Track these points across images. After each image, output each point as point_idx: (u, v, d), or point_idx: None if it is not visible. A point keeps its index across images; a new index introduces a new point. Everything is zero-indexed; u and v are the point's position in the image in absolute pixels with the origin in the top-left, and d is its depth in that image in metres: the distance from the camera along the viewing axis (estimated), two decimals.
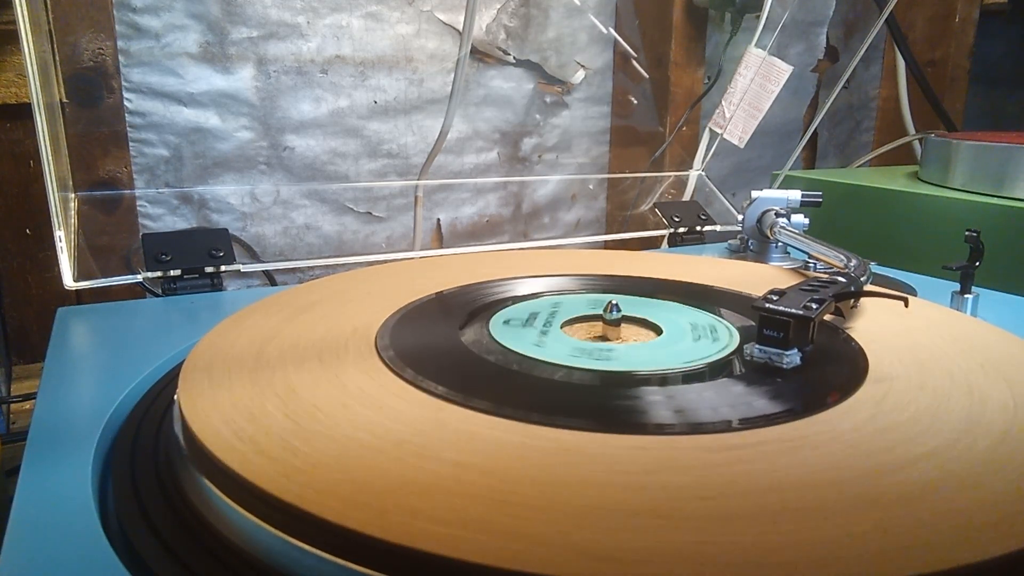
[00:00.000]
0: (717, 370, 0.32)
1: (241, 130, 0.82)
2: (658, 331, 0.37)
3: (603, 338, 0.36)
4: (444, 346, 0.34)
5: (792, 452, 0.24)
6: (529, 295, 0.42)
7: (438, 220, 0.98)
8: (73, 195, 0.61)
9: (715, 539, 0.19)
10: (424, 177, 0.90)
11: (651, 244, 0.80)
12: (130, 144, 0.76)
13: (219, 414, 0.26)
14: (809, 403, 0.28)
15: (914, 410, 0.27)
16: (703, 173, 0.94)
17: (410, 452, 0.23)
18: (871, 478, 0.22)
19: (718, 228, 0.74)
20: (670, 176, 1.00)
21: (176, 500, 0.25)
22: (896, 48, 1.12)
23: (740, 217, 0.59)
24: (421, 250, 0.89)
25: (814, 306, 0.32)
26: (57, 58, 0.69)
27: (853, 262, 0.43)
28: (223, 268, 0.52)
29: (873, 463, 0.23)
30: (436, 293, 0.42)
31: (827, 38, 1.21)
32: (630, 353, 0.33)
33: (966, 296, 0.46)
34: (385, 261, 0.54)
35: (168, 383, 0.35)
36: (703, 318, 0.38)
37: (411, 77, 0.90)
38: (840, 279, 0.37)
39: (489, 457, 0.23)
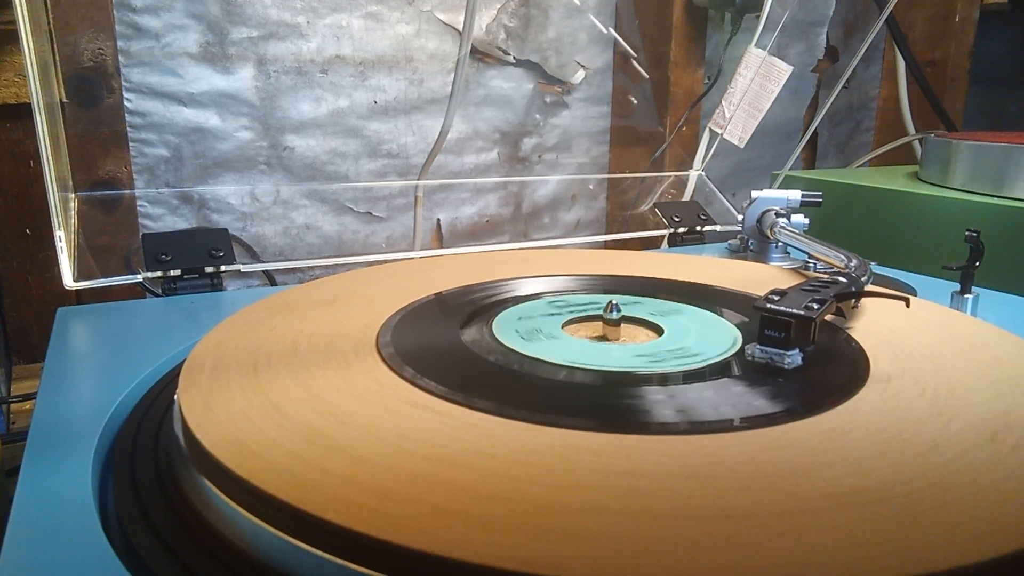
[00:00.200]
0: (718, 370, 0.32)
1: (241, 130, 0.82)
2: (659, 331, 0.37)
3: (603, 338, 0.36)
4: (445, 346, 0.34)
5: (793, 452, 0.24)
6: (529, 295, 0.42)
7: (438, 220, 0.98)
8: (73, 195, 0.61)
9: (716, 539, 0.19)
10: (424, 177, 0.90)
11: (651, 244, 0.80)
12: (130, 144, 0.76)
13: (219, 414, 0.26)
14: (810, 403, 0.27)
15: (914, 410, 0.27)
16: (703, 173, 0.94)
17: (410, 452, 0.23)
18: (872, 478, 0.22)
19: (718, 228, 0.74)
20: (670, 176, 1.00)
21: (176, 500, 0.25)
22: (896, 48, 1.12)
23: (740, 217, 0.59)
24: (421, 250, 0.89)
25: (815, 306, 0.32)
26: (57, 58, 0.69)
27: (854, 262, 0.43)
28: (223, 268, 0.52)
29: (873, 463, 0.23)
30: (436, 293, 0.42)
31: (827, 38, 1.21)
32: (629, 353, 0.33)
33: (966, 296, 0.46)
34: (385, 261, 0.54)
35: (168, 383, 0.35)
36: (704, 318, 0.38)
37: (411, 77, 0.90)
38: (841, 279, 0.37)
39: (490, 457, 0.23)
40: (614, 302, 0.36)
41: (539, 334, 0.35)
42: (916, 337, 0.35)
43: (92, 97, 0.73)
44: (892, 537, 0.19)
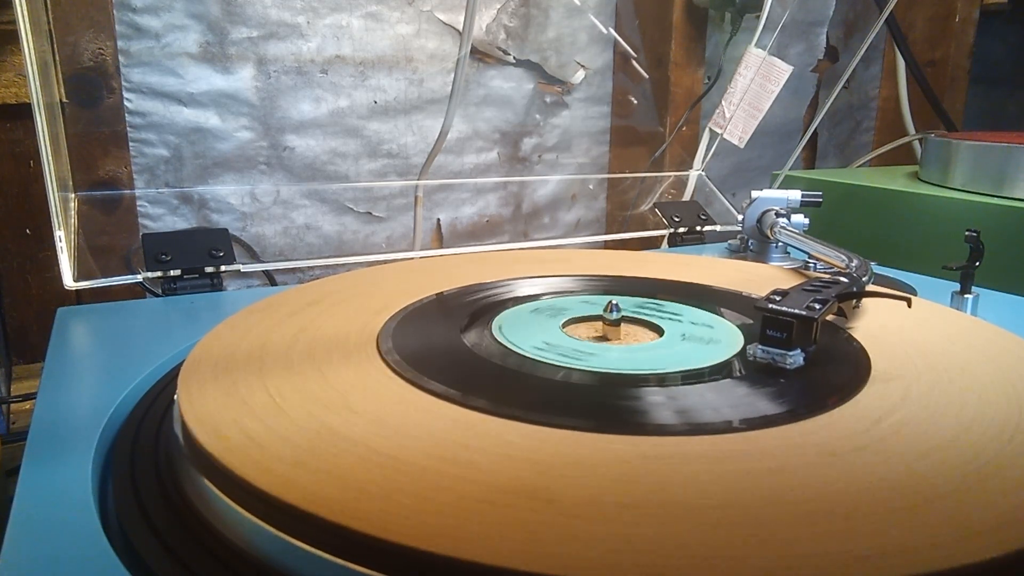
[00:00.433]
0: (719, 371, 0.32)
1: (241, 130, 0.82)
2: (659, 331, 0.37)
3: (603, 338, 0.36)
4: (445, 347, 0.34)
5: (795, 452, 0.24)
6: (529, 295, 0.42)
7: (438, 220, 0.98)
8: (73, 195, 0.61)
9: (716, 539, 0.19)
10: (424, 177, 0.90)
11: (651, 244, 0.80)
12: (130, 144, 0.76)
13: (219, 414, 0.26)
14: (812, 404, 0.27)
15: (915, 410, 0.27)
16: (703, 173, 0.94)
17: (411, 452, 0.23)
18: (872, 479, 0.22)
19: (718, 228, 0.74)
20: (670, 176, 1.00)
21: (176, 500, 0.25)
22: (896, 48, 1.12)
23: (740, 217, 0.59)
24: (421, 250, 0.89)
25: (817, 306, 0.32)
26: (57, 58, 0.69)
27: (854, 262, 0.43)
28: (223, 268, 0.52)
29: (875, 463, 0.23)
30: (437, 294, 0.42)
31: (827, 38, 1.21)
32: (630, 354, 0.33)
33: (966, 296, 0.46)
34: (385, 261, 0.54)
35: (168, 383, 0.35)
36: (704, 318, 0.38)
37: (411, 77, 0.90)
38: (843, 279, 0.37)
39: (490, 458, 0.23)
40: (614, 302, 0.36)
41: (539, 334, 0.35)
42: (917, 337, 0.35)
43: (92, 97, 0.73)
44: (895, 537, 0.19)
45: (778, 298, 0.32)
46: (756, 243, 0.59)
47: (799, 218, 0.56)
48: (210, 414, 0.26)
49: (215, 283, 0.52)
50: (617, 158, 1.08)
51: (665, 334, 0.36)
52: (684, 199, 0.92)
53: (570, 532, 0.19)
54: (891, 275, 0.55)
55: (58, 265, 0.48)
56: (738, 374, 0.31)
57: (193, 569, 0.22)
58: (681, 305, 0.40)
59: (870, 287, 0.39)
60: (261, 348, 0.33)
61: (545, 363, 0.32)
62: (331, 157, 0.88)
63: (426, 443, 0.24)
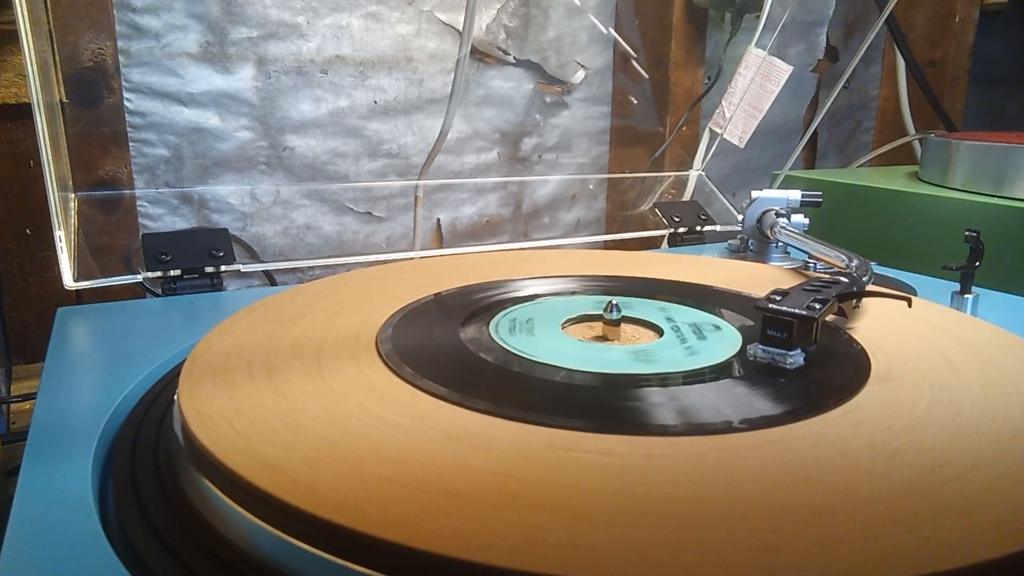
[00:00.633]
0: (720, 371, 0.32)
1: (241, 130, 0.82)
2: (659, 331, 0.37)
3: (603, 338, 0.36)
4: (445, 346, 0.34)
5: (795, 452, 0.24)
6: (529, 295, 0.42)
7: (438, 220, 0.98)
8: (73, 195, 0.61)
9: (716, 539, 0.19)
10: (424, 177, 0.90)
11: (651, 244, 0.80)
12: (130, 144, 0.76)
13: (219, 414, 0.26)
14: (812, 403, 0.27)
15: (915, 410, 0.27)
16: (703, 173, 0.94)
17: (410, 452, 0.23)
18: (872, 478, 0.22)
19: (718, 228, 0.74)
20: (670, 176, 1.00)
21: (176, 500, 0.25)
22: (896, 48, 1.12)
23: (740, 217, 0.59)
24: (421, 250, 0.89)
25: (817, 306, 0.32)
26: (57, 58, 0.69)
27: (854, 262, 0.43)
28: (223, 268, 0.52)
29: (875, 463, 0.23)
30: (436, 293, 0.42)
31: (827, 38, 1.21)
32: (630, 354, 0.33)
33: (966, 296, 0.46)
34: (385, 261, 0.54)
35: (168, 383, 0.35)
36: (704, 318, 0.38)
37: (411, 77, 0.90)
38: (843, 279, 0.37)
39: (490, 457, 0.23)
40: (614, 302, 0.36)
41: (539, 334, 0.35)
42: (917, 337, 0.35)
43: (92, 97, 0.73)
44: (895, 537, 0.19)
45: (778, 298, 0.32)
46: (756, 243, 0.59)
47: (799, 218, 0.56)
48: (210, 414, 0.26)
49: (215, 283, 0.52)
50: (617, 158, 1.08)
51: (665, 334, 0.36)
52: (684, 199, 0.92)
53: (570, 532, 0.19)
54: (891, 275, 0.55)
55: (58, 265, 0.48)
56: (738, 374, 0.31)
57: (193, 569, 0.22)
58: (681, 305, 0.40)
59: (870, 287, 0.39)
60: (261, 348, 0.33)
61: (545, 363, 0.32)
62: (331, 157, 0.88)
63: (425, 443, 0.24)
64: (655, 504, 0.21)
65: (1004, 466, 0.23)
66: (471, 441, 0.24)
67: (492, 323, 0.37)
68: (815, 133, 1.25)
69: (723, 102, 0.91)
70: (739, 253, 0.61)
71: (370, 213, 0.92)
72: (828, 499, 0.21)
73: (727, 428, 0.26)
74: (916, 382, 0.30)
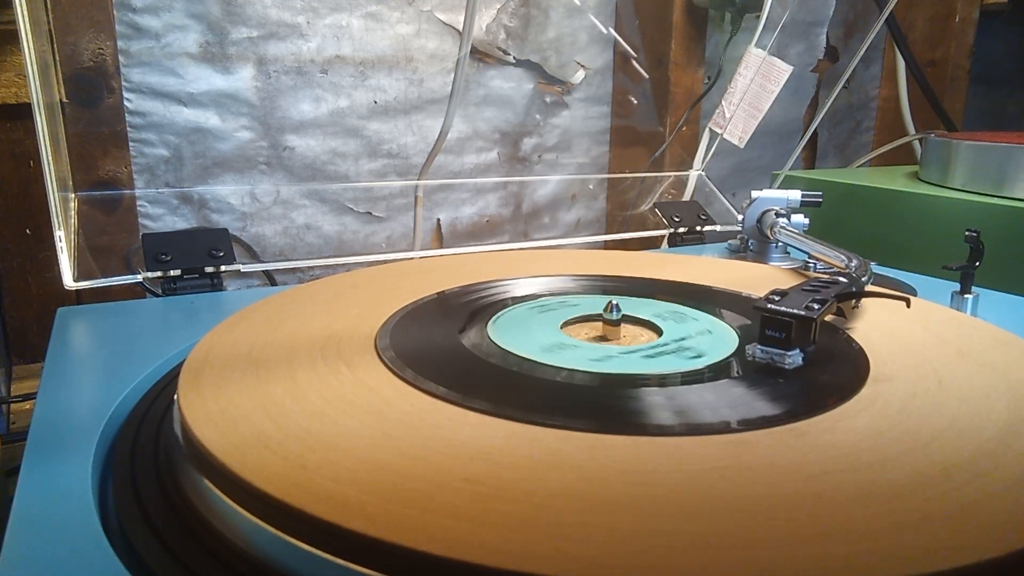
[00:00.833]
0: (718, 371, 0.32)
1: (241, 130, 0.82)
2: (658, 332, 0.37)
3: (603, 338, 0.36)
4: (444, 347, 0.34)
5: (794, 452, 0.24)
6: (529, 295, 0.42)
7: (438, 220, 0.98)
8: (73, 195, 0.61)
9: (715, 539, 0.19)
10: (424, 177, 0.90)
11: (651, 244, 0.80)
12: (130, 144, 0.76)
13: (219, 414, 0.26)
14: (811, 404, 0.27)
15: (915, 410, 0.27)
16: (703, 173, 0.94)
17: (410, 453, 0.23)
18: (871, 478, 0.22)
19: (718, 228, 0.74)
20: (670, 176, 1.00)
21: (176, 500, 0.25)
22: (896, 48, 1.12)
23: (740, 217, 0.59)
24: (421, 250, 0.89)
25: (816, 306, 0.32)
26: (57, 58, 0.69)
27: (854, 262, 0.43)
28: (223, 268, 0.52)
29: (874, 464, 0.23)
30: (436, 293, 0.42)
31: (827, 38, 1.21)
32: (629, 354, 0.33)
33: (966, 296, 0.46)
34: (385, 261, 0.54)
35: (168, 383, 0.35)
36: (704, 318, 0.38)
37: (411, 77, 0.90)
38: (842, 279, 0.37)
39: (490, 458, 0.23)
40: (614, 302, 0.36)
41: (538, 334, 0.35)
42: (916, 337, 0.35)
43: (92, 97, 0.73)
44: (894, 537, 0.19)
45: (777, 298, 0.32)
46: (756, 243, 0.59)
47: (799, 218, 0.56)
48: (210, 414, 0.26)
49: (215, 283, 0.52)
50: (617, 158, 1.08)
51: (664, 334, 0.36)
52: (684, 199, 0.92)
53: (569, 533, 0.19)
54: (891, 275, 0.55)
55: (58, 265, 0.48)
56: (736, 374, 0.31)
57: (193, 569, 0.22)
58: (681, 305, 0.40)
59: (869, 287, 0.39)
60: (261, 348, 0.33)
61: (544, 364, 0.32)
62: (331, 157, 0.88)
63: (425, 443, 0.24)
64: (655, 505, 0.21)
65: (1003, 466, 0.23)
66: (471, 442, 0.24)
67: (492, 323, 0.37)
68: (815, 133, 1.25)
69: (723, 102, 0.91)
70: (739, 253, 0.61)
71: (370, 213, 0.92)
72: (826, 499, 0.21)
73: (725, 428, 0.26)
74: (915, 382, 0.30)
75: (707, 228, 0.73)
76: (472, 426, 0.25)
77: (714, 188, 0.89)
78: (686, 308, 0.40)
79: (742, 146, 0.91)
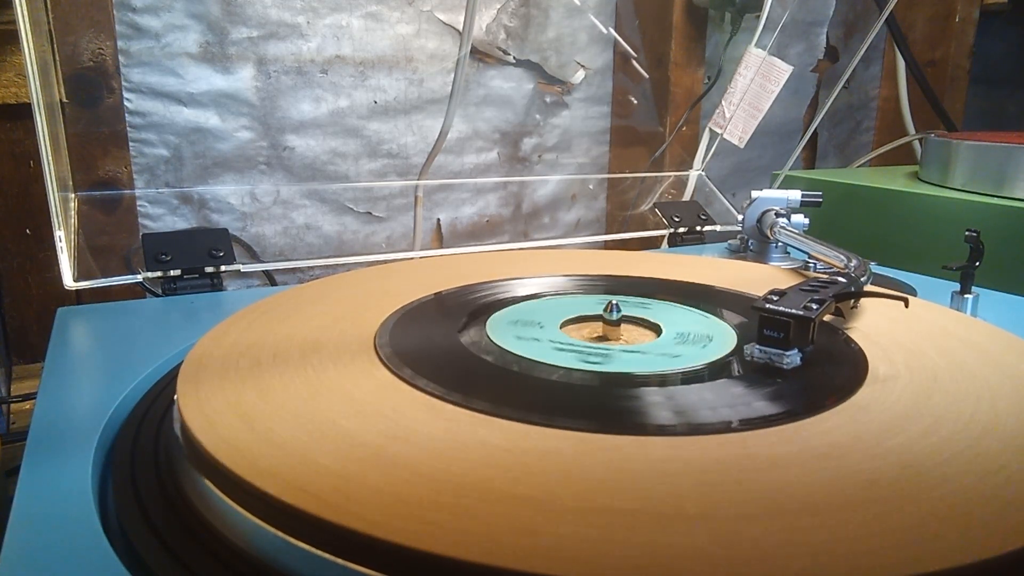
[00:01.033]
0: (717, 371, 0.32)
1: (241, 130, 0.82)
2: (658, 331, 0.37)
3: (603, 338, 0.36)
4: (443, 347, 0.34)
5: (792, 452, 0.24)
6: (529, 295, 0.42)
7: (438, 220, 0.98)
8: (73, 195, 0.61)
9: (715, 539, 0.19)
10: (424, 177, 0.90)
11: (651, 244, 0.80)
12: (130, 144, 0.76)
13: (218, 414, 0.26)
14: (809, 404, 0.28)
15: (914, 410, 0.27)
16: (703, 173, 0.94)
17: (410, 452, 0.23)
18: (870, 478, 0.22)
19: (718, 228, 0.74)
20: (670, 176, 1.00)
21: (176, 500, 0.25)
22: (896, 48, 1.12)
23: (740, 217, 0.59)
24: (421, 250, 0.89)
25: (814, 306, 0.32)
26: (57, 58, 0.69)
27: (853, 262, 0.43)
28: (223, 268, 0.52)
29: (873, 463, 0.23)
30: (435, 293, 0.42)
31: (827, 38, 1.21)
32: (629, 354, 0.33)
33: (966, 296, 0.46)
34: (385, 261, 0.54)
35: (168, 383, 0.35)
36: (703, 318, 0.38)
37: (411, 77, 0.90)
38: (840, 279, 0.37)
39: (489, 457, 0.23)
40: (614, 302, 0.36)
41: (538, 334, 0.35)
42: (915, 337, 0.35)
43: (92, 97, 0.73)
44: (893, 537, 0.19)
45: (775, 298, 0.32)
46: (756, 243, 0.59)
47: (799, 218, 0.56)
48: (210, 414, 0.26)
49: (215, 283, 0.52)
50: (617, 158, 1.08)
51: (663, 334, 0.36)
52: (684, 199, 0.92)
53: (568, 532, 0.19)
54: (891, 275, 0.55)
55: (58, 265, 0.48)
56: (735, 374, 0.31)
57: (193, 569, 0.22)
58: (681, 305, 0.40)
59: (868, 287, 0.39)
60: (261, 348, 0.33)
61: (544, 363, 0.32)
62: (331, 157, 0.88)
63: (425, 443, 0.24)
64: (655, 505, 0.21)
65: (1003, 465, 0.23)
66: (470, 441, 0.24)
67: (491, 323, 0.37)
68: (815, 133, 1.25)
69: (723, 102, 0.91)
70: (739, 253, 0.61)
71: (370, 213, 0.92)
72: (825, 499, 0.21)
73: (724, 428, 0.26)
74: (914, 382, 0.30)
75: (707, 228, 0.73)
76: (472, 425, 0.25)
77: (714, 188, 0.89)
78: (686, 308, 0.40)
79: (742, 146, 0.91)
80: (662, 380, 0.30)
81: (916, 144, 1.12)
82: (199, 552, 0.23)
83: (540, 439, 0.25)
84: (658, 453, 0.24)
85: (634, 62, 1.04)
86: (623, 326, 0.37)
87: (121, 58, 0.74)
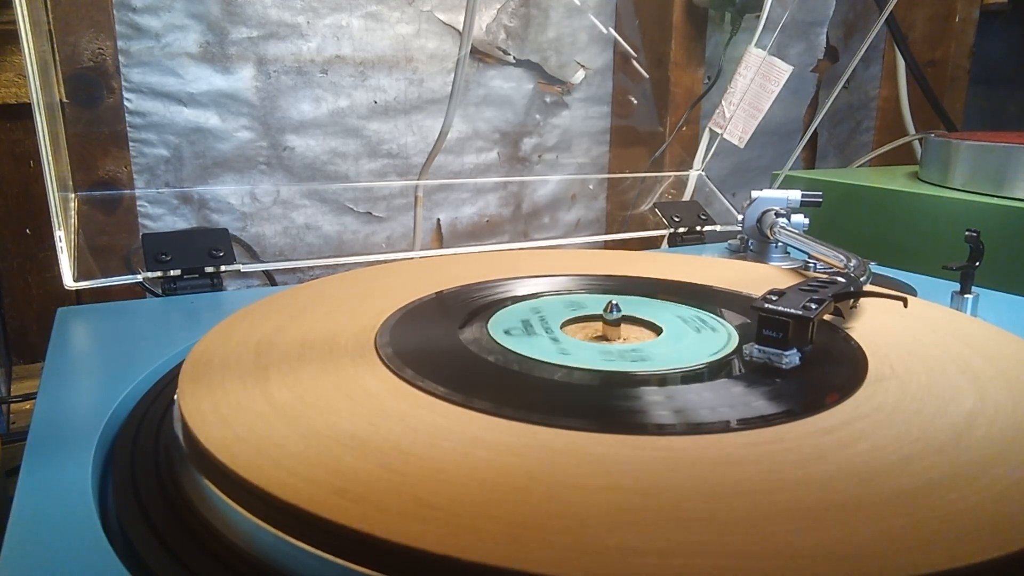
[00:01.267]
0: (716, 370, 0.32)
1: (241, 130, 0.82)
2: (658, 331, 0.37)
3: (603, 338, 0.36)
4: (444, 346, 0.34)
5: (791, 452, 0.24)
6: (529, 295, 0.42)
7: (438, 220, 0.98)
8: (73, 195, 0.61)
9: (715, 539, 0.19)
10: (424, 177, 0.90)
11: (651, 244, 0.80)
12: (130, 144, 0.76)
13: (219, 414, 0.26)
14: (808, 403, 0.28)
15: (913, 410, 0.27)
16: (703, 173, 0.94)
17: (410, 452, 0.23)
18: (870, 478, 0.22)
19: (718, 228, 0.74)
20: (670, 176, 1.00)
21: (176, 500, 0.25)
22: (896, 48, 1.12)
23: (740, 217, 0.59)
24: (421, 250, 0.89)
25: (813, 306, 0.32)
26: (57, 58, 0.69)
27: (853, 262, 0.43)
28: (223, 268, 0.52)
29: (872, 463, 0.23)
30: (436, 293, 0.42)
31: (827, 38, 1.21)
32: (628, 353, 0.33)
33: (966, 296, 0.46)
34: (385, 261, 0.54)
35: (168, 383, 0.35)
36: (703, 318, 0.38)
37: (411, 77, 0.90)
38: (839, 279, 0.37)
39: (489, 457, 0.23)
40: (614, 302, 0.36)
41: (538, 334, 0.35)
42: (915, 337, 0.35)
43: (92, 97, 0.73)
44: (892, 538, 0.19)
45: (775, 297, 0.32)
46: (756, 243, 0.59)
47: (799, 218, 0.56)
48: (210, 414, 0.26)
49: (215, 283, 0.52)
50: (617, 158, 1.08)
51: (663, 334, 0.36)
52: (684, 199, 0.92)
53: (569, 532, 0.19)
54: (891, 275, 0.55)
55: (58, 265, 0.48)
56: (734, 374, 0.31)
57: (193, 569, 0.22)
58: (680, 305, 0.40)
59: (867, 287, 0.39)
60: (261, 348, 0.33)
61: (543, 363, 0.32)
62: (331, 157, 0.88)
63: (425, 443, 0.24)
64: (654, 504, 0.21)
65: (1004, 465, 0.23)
66: (471, 441, 0.24)
67: (491, 322, 0.37)
68: (815, 133, 1.25)
69: (723, 102, 0.91)
70: (739, 253, 0.61)
71: (370, 213, 0.92)
72: (825, 499, 0.21)
73: (723, 428, 0.26)
74: (914, 382, 0.30)
75: (707, 228, 0.73)
76: (472, 425, 0.25)
77: (714, 188, 0.89)
78: (686, 307, 0.40)
79: (742, 146, 0.91)
80: (661, 380, 0.30)
81: (916, 144, 1.12)
82: (199, 552, 0.23)
83: (541, 438, 0.25)
84: (657, 452, 0.24)
85: (634, 62, 1.04)
86: (623, 326, 0.37)
87: (121, 58, 0.74)
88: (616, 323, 0.36)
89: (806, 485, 0.22)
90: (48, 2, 0.66)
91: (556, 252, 0.56)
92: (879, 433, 0.25)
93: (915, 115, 1.16)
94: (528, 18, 0.96)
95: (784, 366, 0.31)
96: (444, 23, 0.90)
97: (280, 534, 0.21)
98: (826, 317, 0.36)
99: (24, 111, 0.66)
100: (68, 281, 0.48)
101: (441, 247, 0.98)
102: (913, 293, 0.50)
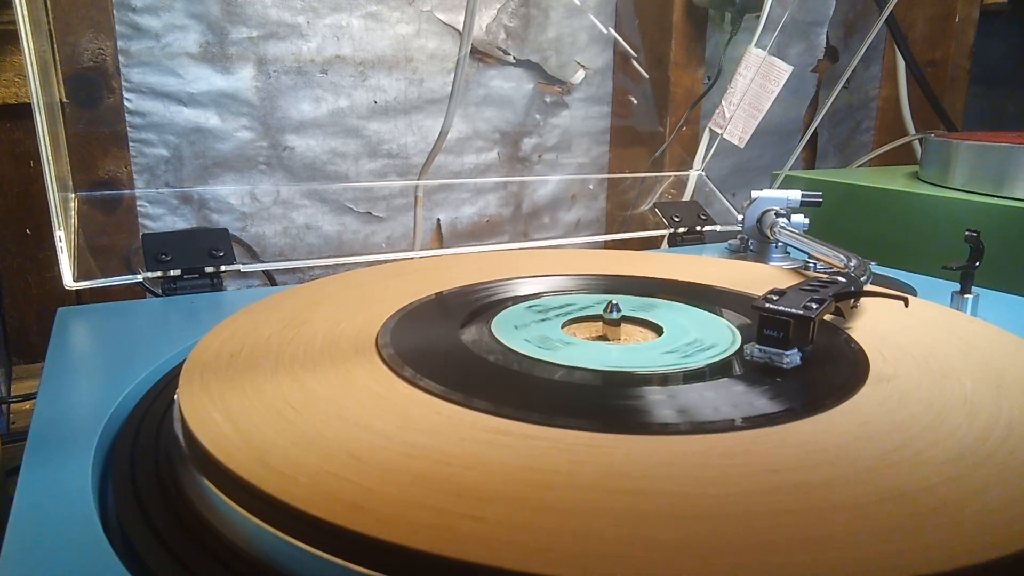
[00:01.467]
0: (717, 370, 0.32)
1: (241, 130, 0.82)
2: (658, 331, 0.37)
3: (603, 338, 0.36)
4: (445, 346, 0.34)
5: (792, 452, 0.24)
6: (529, 295, 0.42)
7: (438, 220, 0.98)
8: (73, 195, 0.61)
9: (715, 539, 0.19)
10: (424, 177, 0.90)
11: (651, 244, 0.80)
12: (130, 144, 0.76)
13: (219, 414, 0.26)
14: (809, 403, 0.28)
15: (914, 410, 0.27)
16: (703, 173, 0.94)
17: (409, 452, 0.23)
18: (871, 478, 0.22)
19: (718, 228, 0.74)
20: (670, 176, 1.00)
21: (176, 500, 0.25)
22: (896, 48, 1.12)
23: (740, 217, 0.59)
24: (421, 250, 0.89)
25: (814, 306, 0.32)
26: (57, 58, 0.69)
27: (853, 262, 0.43)
28: (223, 268, 0.52)
29: (873, 464, 0.23)
30: (436, 293, 0.42)
31: (827, 38, 1.21)
32: (629, 353, 0.33)
33: (966, 296, 0.46)
34: (385, 261, 0.54)
35: (168, 383, 0.35)
36: (703, 318, 0.38)
37: (411, 77, 0.90)
38: (840, 279, 0.37)
39: (490, 457, 0.23)
40: (614, 302, 0.36)
41: (538, 334, 0.35)
42: (916, 337, 0.35)
43: (92, 97, 0.73)
44: (893, 538, 0.19)
45: (775, 297, 0.32)
46: (756, 243, 0.59)
47: (799, 218, 0.56)
48: (210, 414, 0.26)
49: (215, 283, 0.52)
50: (617, 158, 1.08)
51: (664, 334, 0.36)
52: (684, 199, 0.92)
53: (568, 532, 0.19)
54: (891, 275, 0.55)
55: (58, 265, 0.48)
56: (735, 373, 0.31)
57: (193, 569, 0.22)
58: (680, 305, 0.40)
59: (868, 287, 0.39)
60: (260, 348, 0.33)
61: (543, 363, 0.32)
62: (331, 157, 0.88)
63: (425, 443, 0.24)
64: (655, 504, 0.21)
65: (1003, 466, 0.23)
66: (471, 441, 0.24)
67: (492, 322, 0.37)
68: (815, 133, 1.25)
69: (723, 102, 0.91)
70: (739, 253, 0.61)
71: (370, 213, 0.92)
72: (825, 499, 0.21)
73: (724, 427, 0.26)
74: (914, 382, 0.30)
75: (707, 228, 0.73)
76: (473, 424, 0.25)
77: (714, 188, 0.89)
78: (686, 307, 0.40)
79: (742, 146, 0.91)
80: (663, 379, 0.30)
81: (916, 144, 1.12)
82: (199, 552, 0.23)
83: (542, 438, 0.24)
84: (658, 452, 0.24)
85: (634, 62, 1.04)
86: (624, 326, 0.37)
87: (121, 58, 0.74)
88: (616, 323, 0.36)
89: (806, 485, 0.22)
90: (48, 2, 0.66)
91: (556, 252, 0.56)
92: (879, 433, 0.25)
93: (915, 115, 1.16)
94: (528, 18, 0.96)
95: (785, 366, 0.31)
96: (444, 23, 0.90)
97: (280, 534, 0.21)
98: (827, 317, 0.36)
99: (24, 111, 0.65)
100: (68, 281, 0.48)
101: (441, 247, 0.98)
102: (913, 293, 0.50)
